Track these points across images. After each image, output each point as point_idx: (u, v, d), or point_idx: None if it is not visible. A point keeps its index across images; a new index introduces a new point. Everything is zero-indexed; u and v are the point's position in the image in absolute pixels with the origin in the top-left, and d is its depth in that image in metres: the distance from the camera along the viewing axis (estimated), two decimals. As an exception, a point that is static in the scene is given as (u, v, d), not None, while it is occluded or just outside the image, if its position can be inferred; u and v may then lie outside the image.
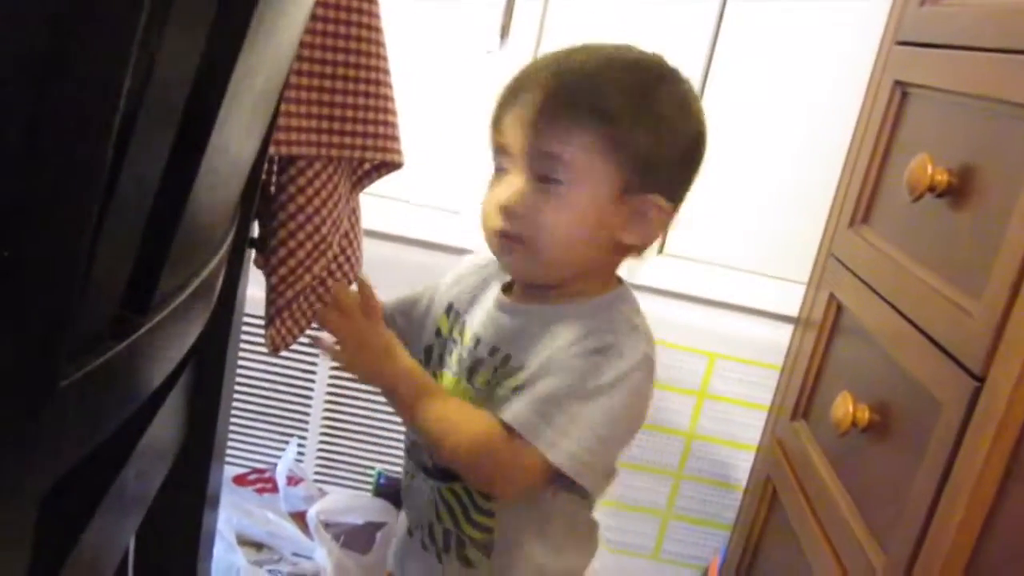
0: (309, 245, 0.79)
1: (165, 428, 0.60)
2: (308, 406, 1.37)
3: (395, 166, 0.86)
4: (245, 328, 1.34)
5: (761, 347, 1.33)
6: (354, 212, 0.90)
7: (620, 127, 0.71)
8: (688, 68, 0.72)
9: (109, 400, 0.42)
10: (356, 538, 1.24)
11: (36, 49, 0.27)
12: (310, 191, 0.78)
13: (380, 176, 0.88)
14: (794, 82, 1.26)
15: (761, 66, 1.26)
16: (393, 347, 0.76)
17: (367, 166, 0.86)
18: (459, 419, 0.72)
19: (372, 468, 1.40)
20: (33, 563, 0.36)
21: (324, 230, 0.80)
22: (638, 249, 0.77)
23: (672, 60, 0.77)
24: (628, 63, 0.75)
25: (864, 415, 0.89)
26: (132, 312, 0.42)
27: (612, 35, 1.23)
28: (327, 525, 1.24)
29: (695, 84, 0.79)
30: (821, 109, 1.26)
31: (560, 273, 0.75)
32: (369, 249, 1.31)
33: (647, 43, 0.71)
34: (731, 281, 1.32)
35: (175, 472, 0.66)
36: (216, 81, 0.42)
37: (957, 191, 0.83)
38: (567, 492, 0.75)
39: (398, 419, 1.37)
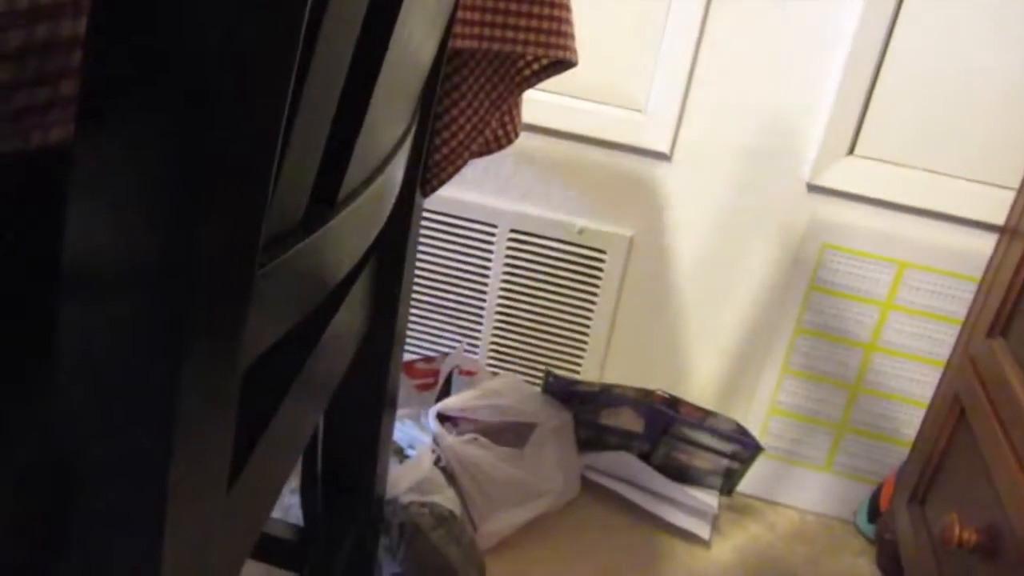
0: (468, 126, 0.84)
1: (349, 317, 0.63)
2: (483, 300, 1.41)
3: (567, 64, 0.84)
4: (422, 221, 1.38)
5: (957, 256, 1.24)
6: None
7: None
8: None
9: (301, 287, 0.44)
10: (506, 434, 1.27)
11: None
12: (471, 80, 0.82)
13: (552, 74, 0.87)
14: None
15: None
16: None
17: (535, 65, 0.85)
18: None
19: (543, 364, 1.44)
20: (236, 435, 0.39)
21: (482, 112, 0.84)
22: None
23: None
24: None
25: (1075, 335, 0.82)
26: (321, 205, 0.44)
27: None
28: (466, 420, 1.27)
29: None
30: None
31: None
32: (547, 148, 1.31)
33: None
34: (926, 184, 1.23)
35: (359, 359, 0.69)
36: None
37: None
38: None
39: (571, 318, 1.39)
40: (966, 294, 1.25)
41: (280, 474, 0.51)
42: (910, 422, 1.33)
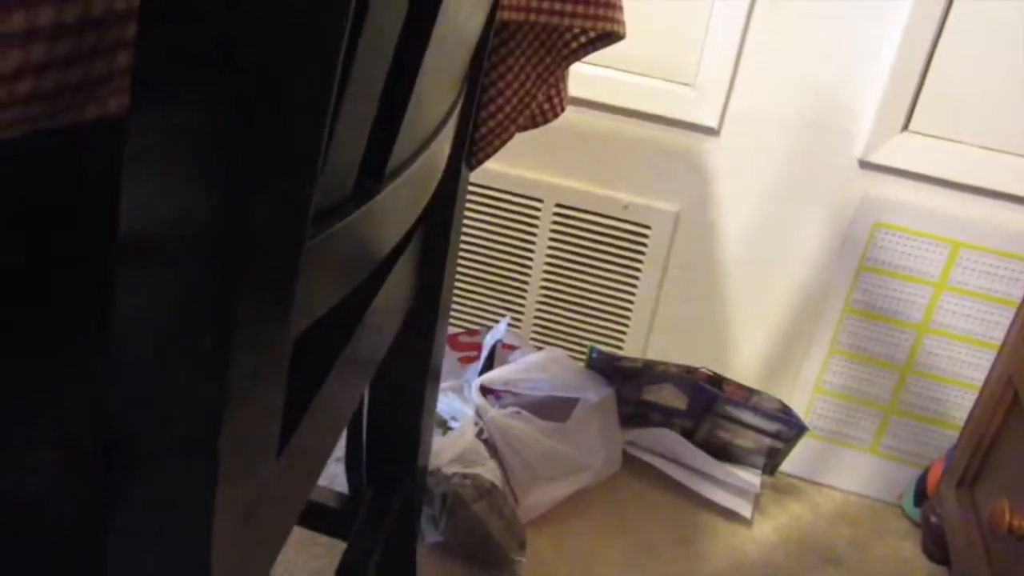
0: (515, 99, 0.83)
1: (395, 290, 0.64)
2: (527, 274, 1.41)
3: (615, 37, 0.84)
4: (468, 195, 1.39)
5: (1013, 236, 1.21)
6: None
7: None
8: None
9: (349, 258, 0.44)
10: (549, 408, 1.27)
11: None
12: (518, 52, 0.81)
13: (599, 47, 0.86)
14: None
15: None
16: None
17: (583, 38, 0.84)
18: None
19: (586, 339, 1.44)
20: (286, 404, 0.39)
21: (529, 84, 0.83)
22: None
23: None
24: None
25: None
26: (369, 180, 0.44)
27: None
28: (510, 393, 1.27)
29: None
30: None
31: None
32: (594, 122, 1.30)
33: None
34: (982, 161, 1.19)
35: (404, 331, 0.70)
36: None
37: None
38: None
39: (615, 293, 1.38)
40: (1022, 275, 1.22)
41: (327, 443, 0.52)
42: (960, 405, 1.31)
